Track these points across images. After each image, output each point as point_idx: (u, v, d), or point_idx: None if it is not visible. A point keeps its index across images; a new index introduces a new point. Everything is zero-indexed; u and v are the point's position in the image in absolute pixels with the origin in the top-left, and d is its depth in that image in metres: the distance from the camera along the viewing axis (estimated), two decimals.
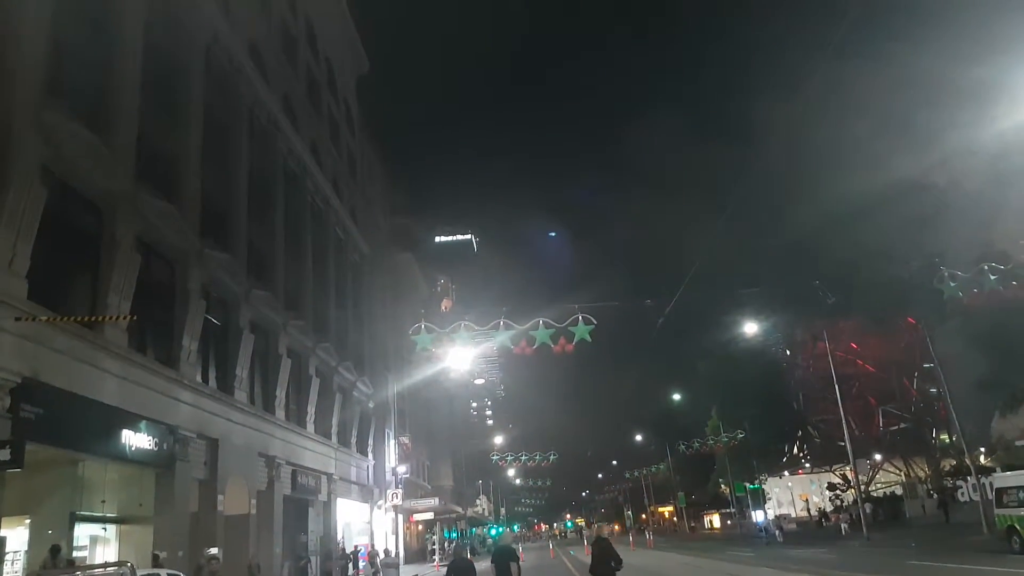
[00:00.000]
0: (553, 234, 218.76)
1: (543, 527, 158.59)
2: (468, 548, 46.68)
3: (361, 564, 32.08)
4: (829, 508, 60.02)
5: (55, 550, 14.56)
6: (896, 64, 41.02)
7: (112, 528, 18.07)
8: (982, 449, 46.70)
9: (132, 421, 16.48)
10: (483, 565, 16.10)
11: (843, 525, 40.51)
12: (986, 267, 22.16)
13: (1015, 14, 29.61)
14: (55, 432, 13.81)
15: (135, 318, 16.42)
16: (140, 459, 16.85)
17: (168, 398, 18.23)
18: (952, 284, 22.23)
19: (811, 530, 54.01)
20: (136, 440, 16.56)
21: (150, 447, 17.14)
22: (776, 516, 53.60)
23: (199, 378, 20.38)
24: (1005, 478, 24.83)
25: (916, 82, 39.02)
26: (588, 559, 14.39)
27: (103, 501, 17.61)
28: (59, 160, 14.81)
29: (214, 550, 17.23)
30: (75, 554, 15.83)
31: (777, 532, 43.53)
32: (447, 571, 12.63)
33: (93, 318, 15.02)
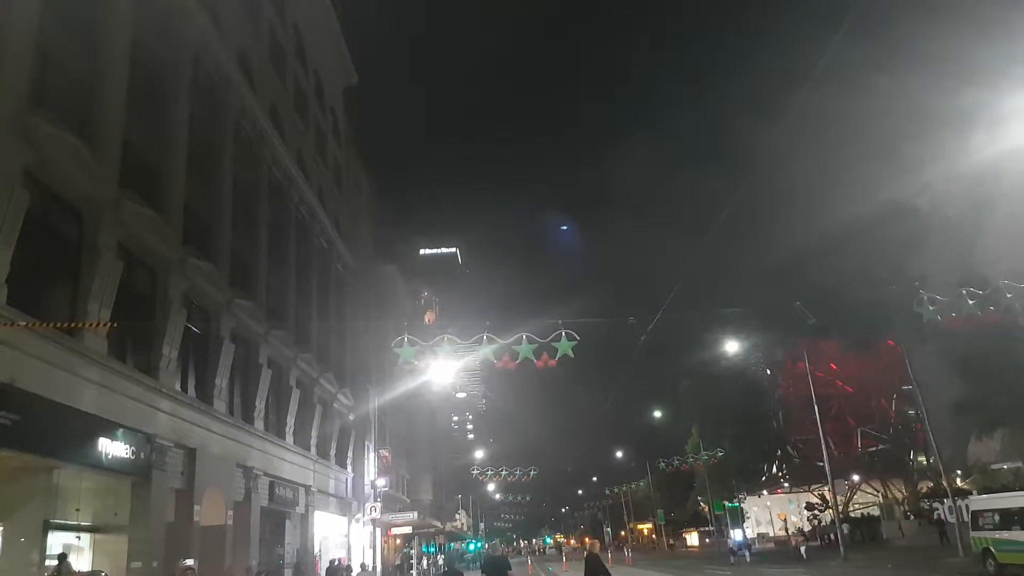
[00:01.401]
0: (565, 227, 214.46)
1: (523, 543, 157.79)
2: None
3: None
4: (807, 527, 60.28)
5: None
6: (878, 95, 41.82)
7: (86, 537, 17.79)
8: (959, 471, 47.14)
9: (109, 429, 16.31)
10: None
11: (802, 548, 40.19)
12: (965, 291, 22.39)
13: (992, 48, 30.33)
14: (30, 439, 13.62)
15: (115, 325, 16.28)
16: (117, 468, 16.67)
17: (146, 407, 18.06)
18: (931, 307, 22.42)
19: (788, 550, 54.06)
20: (113, 448, 16.38)
21: (127, 456, 16.95)
22: (744, 536, 53.62)
23: (178, 387, 20.22)
24: (981, 501, 25.13)
25: (897, 112, 39.78)
26: (566, 575, 15.05)
27: (78, 509, 17.34)
28: (42, 165, 14.72)
29: (190, 561, 17.02)
30: (48, 562, 15.59)
31: (745, 552, 43.56)
32: None
33: (72, 324, 14.88)
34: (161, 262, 19.60)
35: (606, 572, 14.84)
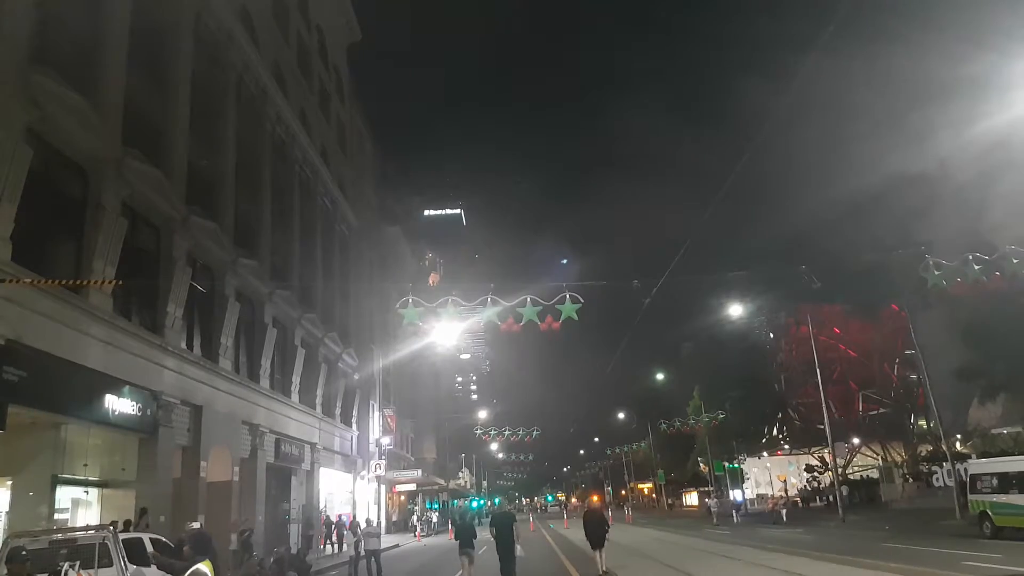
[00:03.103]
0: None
1: (525, 501, 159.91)
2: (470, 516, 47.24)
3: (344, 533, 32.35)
4: (805, 488, 60.86)
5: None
6: (887, 63, 41.22)
7: (94, 492, 18.08)
8: (958, 436, 47.34)
9: (116, 386, 16.48)
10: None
11: (783, 511, 40.27)
12: (970, 257, 22.23)
13: (1001, 12, 29.77)
14: (38, 395, 13.79)
15: (120, 283, 16.33)
16: (123, 424, 16.88)
17: (152, 364, 18.22)
18: (937, 273, 22.26)
19: (770, 515, 54.65)
20: (119, 405, 16.57)
21: (133, 412, 17.15)
22: (732, 498, 54.34)
23: (184, 345, 20.36)
24: (980, 465, 25.28)
25: (907, 80, 39.24)
26: (567, 531, 15.63)
27: (85, 465, 17.59)
28: (45, 122, 14.65)
29: (196, 524, 17.13)
30: (56, 516, 15.85)
31: (734, 513, 44.01)
32: (454, 534, 15.25)
33: (78, 282, 14.92)
34: (165, 220, 19.59)
35: (606, 523, 15.46)
